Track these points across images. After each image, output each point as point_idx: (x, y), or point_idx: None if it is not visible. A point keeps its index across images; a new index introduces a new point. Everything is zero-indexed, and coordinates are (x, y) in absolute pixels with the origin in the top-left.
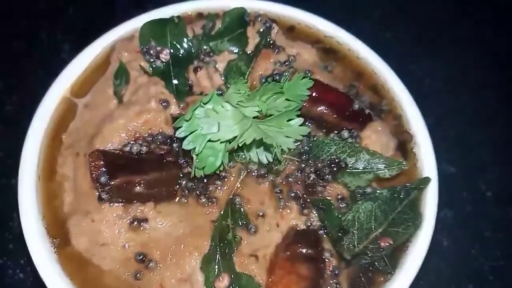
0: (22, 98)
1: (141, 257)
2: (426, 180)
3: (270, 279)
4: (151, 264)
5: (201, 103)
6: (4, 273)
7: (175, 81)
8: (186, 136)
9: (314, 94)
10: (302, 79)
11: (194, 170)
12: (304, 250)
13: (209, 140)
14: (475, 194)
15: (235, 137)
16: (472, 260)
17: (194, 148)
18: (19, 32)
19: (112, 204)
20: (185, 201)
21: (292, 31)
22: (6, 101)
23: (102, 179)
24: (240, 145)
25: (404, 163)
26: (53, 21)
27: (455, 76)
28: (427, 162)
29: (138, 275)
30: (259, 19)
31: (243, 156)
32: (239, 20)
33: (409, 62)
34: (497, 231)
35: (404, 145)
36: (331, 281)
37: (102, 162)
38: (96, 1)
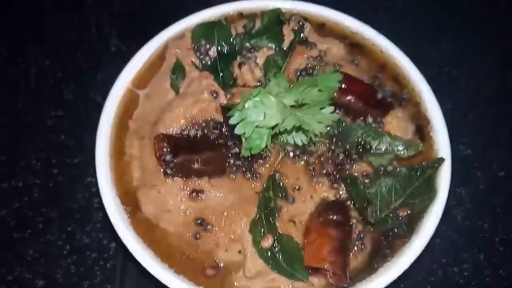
0: (78, 87)
1: (199, 221)
2: (440, 160)
3: (305, 240)
4: (208, 227)
5: (251, 96)
6: (73, 238)
7: (221, 75)
8: (238, 123)
9: (343, 85)
10: (333, 73)
11: (243, 151)
12: (334, 217)
13: (256, 126)
14: (489, 174)
15: (277, 124)
16: (484, 232)
17: (244, 133)
18: (71, 27)
19: (174, 178)
20: (233, 176)
21: (322, 28)
22: (65, 90)
23: (167, 157)
24: (281, 130)
25: (420, 144)
26: (100, 16)
27: (473, 61)
28: (442, 144)
29: (198, 235)
30: (293, 18)
31: (282, 139)
32: (276, 20)
33: (428, 48)
34: (508, 208)
35: (422, 129)
36: (357, 243)
37: (165, 144)
38: None
